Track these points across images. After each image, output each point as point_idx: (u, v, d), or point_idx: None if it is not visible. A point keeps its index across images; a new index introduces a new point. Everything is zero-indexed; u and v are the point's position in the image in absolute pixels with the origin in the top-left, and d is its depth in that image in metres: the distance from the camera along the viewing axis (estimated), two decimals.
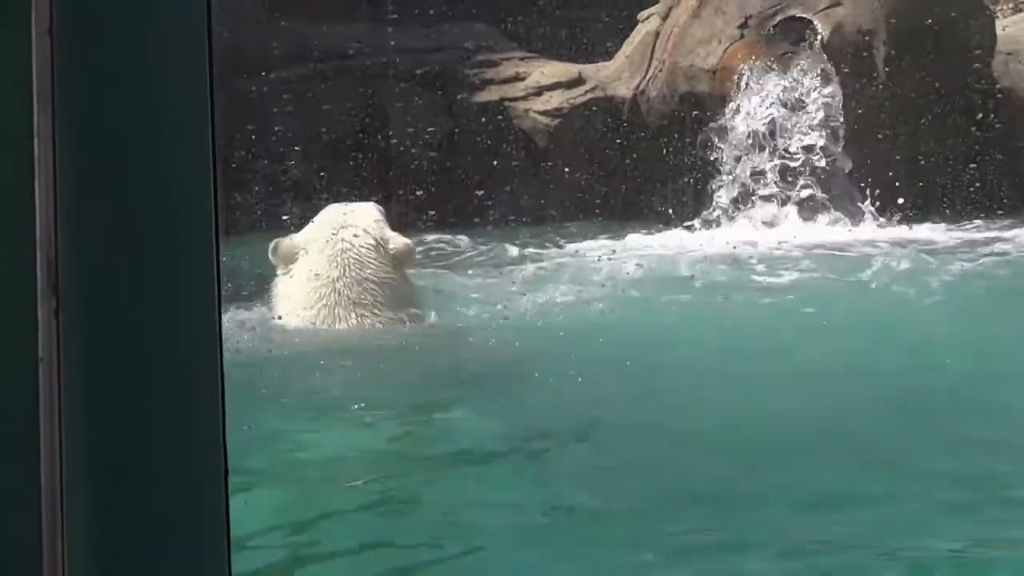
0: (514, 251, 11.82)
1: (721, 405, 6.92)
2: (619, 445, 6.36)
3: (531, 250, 11.89)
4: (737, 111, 13.15)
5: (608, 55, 14.28)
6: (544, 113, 13.68)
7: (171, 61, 1.57)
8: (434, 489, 5.80)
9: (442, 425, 6.73)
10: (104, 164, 1.57)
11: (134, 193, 1.57)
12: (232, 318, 8.20)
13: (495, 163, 13.43)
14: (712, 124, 13.23)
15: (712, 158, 13.19)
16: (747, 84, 13.15)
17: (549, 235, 12.57)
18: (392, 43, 13.78)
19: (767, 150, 13.08)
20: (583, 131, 13.64)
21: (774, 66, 13.18)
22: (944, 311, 9.30)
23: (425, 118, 13.53)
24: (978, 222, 12.82)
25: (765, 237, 12.25)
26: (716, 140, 13.20)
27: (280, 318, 8.27)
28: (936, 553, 4.87)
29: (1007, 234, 12.24)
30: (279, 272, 8.45)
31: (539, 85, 13.84)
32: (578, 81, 13.89)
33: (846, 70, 13.15)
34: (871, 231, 12.58)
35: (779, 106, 13.10)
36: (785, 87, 13.11)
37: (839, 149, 13.06)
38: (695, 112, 13.39)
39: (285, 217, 12.67)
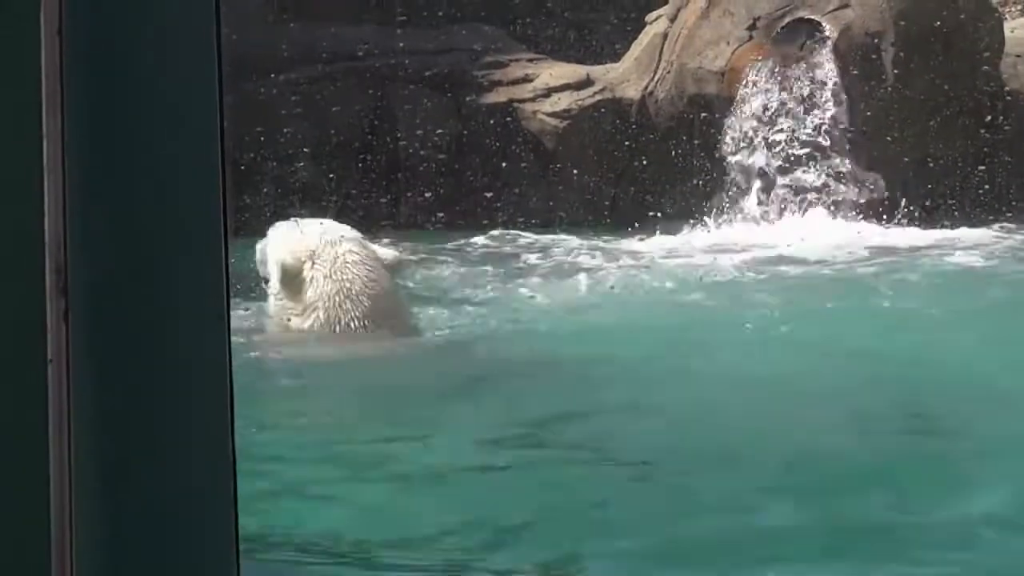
0: (522, 253, 11.81)
1: (742, 412, 6.87)
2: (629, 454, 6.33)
3: (538, 253, 11.89)
4: (745, 112, 13.14)
5: (616, 57, 14.28)
6: (552, 115, 13.68)
7: (180, 63, 1.57)
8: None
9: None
10: (113, 166, 1.57)
11: (143, 195, 1.57)
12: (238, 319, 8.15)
13: (503, 165, 13.43)
14: (720, 125, 13.23)
15: (720, 159, 13.18)
16: (755, 85, 13.14)
17: (557, 236, 12.57)
18: (401, 45, 13.79)
19: (774, 151, 13.07)
20: (591, 133, 13.64)
21: (782, 68, 13.17)
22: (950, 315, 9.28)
23: (434, 120, 13.54)
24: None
25: (771, 238, 12.23)
26: (723, 141, 13.19)
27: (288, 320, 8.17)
28: None
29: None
30: (276, 290, 8.15)
31: (547, 87, 13.85)
32: (586, 83, 13.89)
33: (854, 72, 13.14)
34: (880, 232, 12.57)
35: (787, 108, 13.09)
36: (793, 88, 13.10)
37: (847, 151, 13.05)
38: (703, 114, 13.39)
39: (294, 219, 12.67)
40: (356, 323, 8.04)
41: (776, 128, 13.10)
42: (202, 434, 1.57)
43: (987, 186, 13.20)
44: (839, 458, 5.98)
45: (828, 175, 12.98)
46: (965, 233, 12.43)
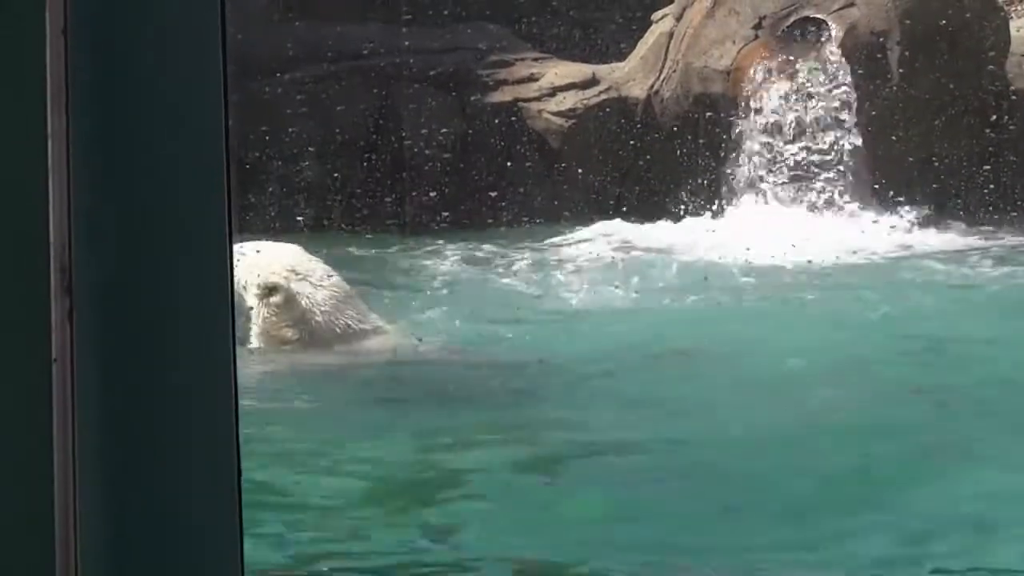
0: (526, 253, 11.81)
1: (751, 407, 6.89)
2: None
3: (543, 252, 11.89)
4: (750, 111, 13.14)
5: (622, 56, 14.26)
6: (558, 114, 13.67)
7: (185, 62, 1.57)
8: None
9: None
10: (118, 165, 1.57)
11: (148, 194, 1.57)
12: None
13: (509, 164, 13.42)
14: (725, 125, 13.22)
15: (725, 158, 13.18)
16: (760, 84, 13.14)
17: (563, 235, 12.56)
18: (406, 44, 13.78)
19: (779, 151, 13.06)
20: (597, 132, 13.63)
21: (788, 66, 13.17)
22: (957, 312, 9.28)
23: (438, 119, 13.53)
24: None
25: (776, 239, 12.22)
26: (729, 140, 13.18)
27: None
28: None
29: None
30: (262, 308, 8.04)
31: (553, 86, 13.84)
32: (592, 82, 13.88)
33: (860, 71, 13.13)
34: (884, 232, 12.56)
35: (791, 107, 13.08)
36: (798, 88, 13.10)
37: (853, 150, 13.04)
38: (709, 113, 13.38)
39: (299, 218, 12.68)
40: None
41: (780, 127, 13.09)
42: (206, 433, 1.57)
43: (992, 185, 13.18)
44: None
45: (832, 174, 12.97)
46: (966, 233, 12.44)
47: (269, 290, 7.91)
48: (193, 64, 1.57)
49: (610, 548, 5.46)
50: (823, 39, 13.26)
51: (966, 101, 13.34)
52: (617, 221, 12.77)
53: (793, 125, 13.08)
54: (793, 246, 11.73)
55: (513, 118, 13.63)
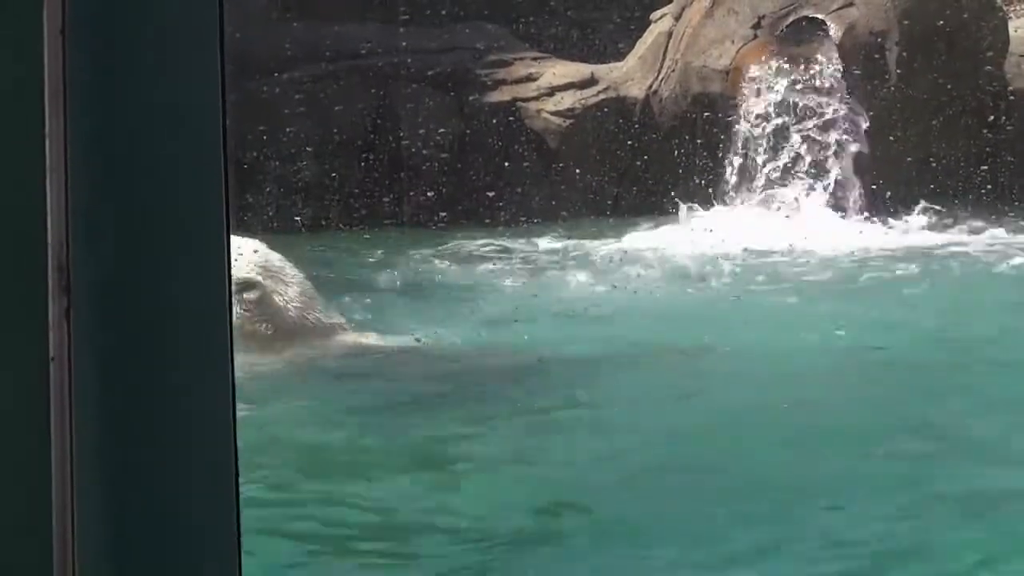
0: (527, 252, 11.81)
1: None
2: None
3: (543, 252, 11.89)
4: (749, 111, 13.14)
5: (620, 55, 14.27)
6: (556, 114, 13.67)
7: (183, 61, 1.57)
8: None
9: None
10: (115, 164, 1.57)
11: (145, 193, 1.57)
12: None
13: (506, 164, 13.42)
14: (724, 124, 13.22)
15: (723, 158, 13.18)
16: (759, 84, 13.14)
17: (560, 235, 12.56)
18: (404, 44, 13.78)
19: (778, 150, 13.06)
20: (595, 132, 13.63)
21: (786, 66, 13.17)
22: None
23: (437, 119, 13.53)
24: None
25: (776, 237, 12.23)
26: (727, 140, 13.19)
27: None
28: None
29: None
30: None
31: (551, 86, 13.84)
32: (590, 82, 13.88)
33: (858, 71, 13.14)
34: (881, 232, 12.57)
35: (790, 106, 13.08)
36: (797, 87, 13.10)
37: (850, 150, 13.04)
38: (707, 113, 13.38)
39: (297, 218, 12.68)
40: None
41: (779, 127, 13.09)
42: (204, 432, 1.57)
43: (989, 186, 13.19)
44: None
45: (830, 174, 12.97)
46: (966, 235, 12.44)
47: (246, 286, 7.89)
48: (191, 64, 1.57)
49: None
50: (822, 39, 13.26)
51: (964, 101, 13.34)
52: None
53: (792, 124, 13.08)
54: (791, 245, 11.74)
55: (511, 118, 13.63)
